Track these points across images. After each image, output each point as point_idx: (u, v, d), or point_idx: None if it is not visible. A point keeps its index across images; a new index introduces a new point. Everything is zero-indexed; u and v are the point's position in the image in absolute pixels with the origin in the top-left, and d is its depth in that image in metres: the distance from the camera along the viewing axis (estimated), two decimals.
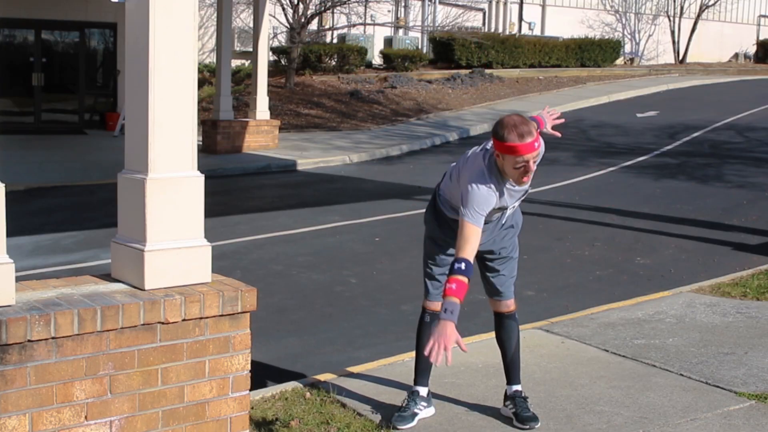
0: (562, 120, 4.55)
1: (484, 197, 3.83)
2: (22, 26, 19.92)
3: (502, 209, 4.08)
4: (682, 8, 33.73)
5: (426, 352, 3.62)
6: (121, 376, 3.38)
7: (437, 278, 4.30)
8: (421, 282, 4.44)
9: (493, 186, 3.87)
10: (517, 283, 4.49)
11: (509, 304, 4.38)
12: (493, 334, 4.53)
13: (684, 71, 30.69)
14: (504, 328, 4.39)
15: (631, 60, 33.42)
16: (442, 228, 4.27)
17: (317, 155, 15.96)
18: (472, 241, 3.79)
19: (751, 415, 4.45)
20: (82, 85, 20.60)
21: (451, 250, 4.22)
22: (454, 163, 4.25)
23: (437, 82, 24.61)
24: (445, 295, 3.71)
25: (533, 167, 3.82)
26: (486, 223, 3.98)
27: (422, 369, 4.42)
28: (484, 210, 3.84)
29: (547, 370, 5.09)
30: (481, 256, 4.31)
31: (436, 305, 4.32)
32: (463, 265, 3.72)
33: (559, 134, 4.55)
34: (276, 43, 25.40)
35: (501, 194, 3.94)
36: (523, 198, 4.17)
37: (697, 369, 5.11)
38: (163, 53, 3.54)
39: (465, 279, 3.71)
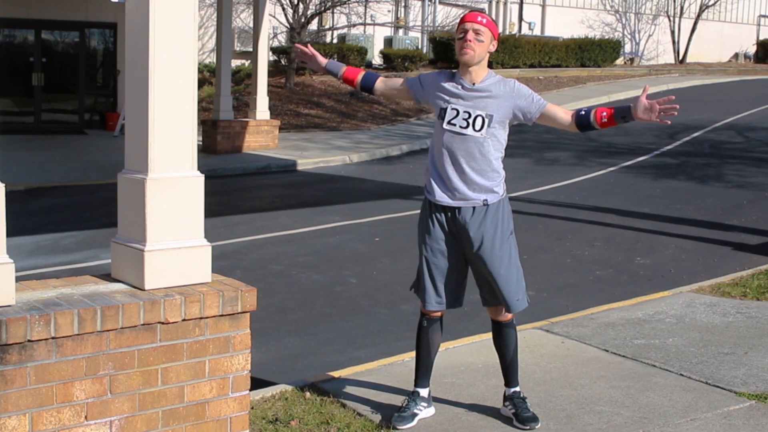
0: (672, 108, 4.02)
1: (428, 72, 4.39)
2: (22, 26, 19.92)
3: (447, 103, 4.16)
4: (682, 8, 33.75)
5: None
6: (121, 376, 3.38)
7: (433, 286, 4.25)
8: None
9: (442, 74, 4.27)
10: None
11: (508, 314, 4.32)
12: None
13: (684, 71, 30.70)
14: (501, 335, 4.36)
15: (631, 60, 33.43)
16: (434, 228, 4.24)
17: (317, 155, 15.96)
18: (390, 78, 4.51)
19: (751, 415, 4.45)
20: (82, 85, 20.61)
21: (443, 258, 4.21)
22: None
23: None
24: None
25: (471, 38, 4.08)
26: (440, 118, 4.20)
27: (422, 371, 4.41)
28: (422, 78, 4.31)
29: (547, 370, 5.09)
30: (467, 256, 4.25)
31: (433, 312, 4.32)
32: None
33: (667, 122, 4.10)
34: (276, 43, 25.41)
35: (447, 82, 4.19)
36: (477, 128, 4.12)
37: (697, 369, 5.11)
38: (163, 53, 3.54)
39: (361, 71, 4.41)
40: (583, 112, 4.19)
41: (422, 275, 4.28)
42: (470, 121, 4.11)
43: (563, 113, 4.21)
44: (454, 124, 4.13)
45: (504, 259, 4.19)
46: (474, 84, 4.14)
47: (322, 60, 4.41)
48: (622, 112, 4.12)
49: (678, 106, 4.01)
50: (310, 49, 4.40)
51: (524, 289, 4.29)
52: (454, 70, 4.26)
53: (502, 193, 4.23)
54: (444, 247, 4.22)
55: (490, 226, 4.17)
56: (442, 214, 4.21)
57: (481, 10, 4.31)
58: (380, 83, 4.40)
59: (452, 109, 4.14)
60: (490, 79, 4.17)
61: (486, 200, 4.16)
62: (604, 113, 4.13)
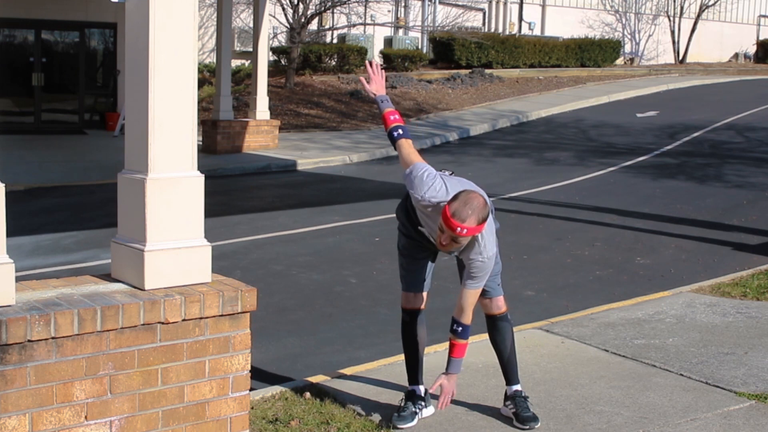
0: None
1: (421, 183, 4.04)
2: (22, 26, 19.91)
3: (424, 230, 4.15)
4: (682, 8, 33.74)
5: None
6: (121, 376, 3.38)
7: (415, 277, 4.36)
8: None
9: (429, 201, 4.00)
10: (516, 283, 4.48)
11: (500, 305, 4.35)
12: None
13: (684, 71, 30.69)
14: (497, 330, 4.38)
15: (631, 60, 33.42)
16: (411, 223, 4.31)
17: (317, 155, 15.96)
18: (406, 152, 4.19)
19: (751, 415, 4.45)
20: (82, 85, 20.60)
21: (420, 249, 4.30)
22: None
23: (437, 82, 24.61)
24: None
25: (444, 243, 3.86)
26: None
27: (414, 368, 4.44)
28: (416, 178, 4.05)
29: (547, 370, 5.09)
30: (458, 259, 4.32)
31: (413, 305, 4.37)
32: None
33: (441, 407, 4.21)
34: (276, 43, 25.40)
35: (426, 221, 4.10)
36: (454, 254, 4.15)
37: (697, 369, 5.12)
38: (163, 53, 3.54)
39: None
40: (461, 329, 4.10)
41: (404, 268, 4.39)
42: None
43: (465, 311, 4.08)
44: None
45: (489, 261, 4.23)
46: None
47: (379, 89, 4.33)
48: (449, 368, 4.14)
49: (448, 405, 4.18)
50: (379, 72, 4.36)
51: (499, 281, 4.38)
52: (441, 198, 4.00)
53: None
54: (422, 241, 4.31)
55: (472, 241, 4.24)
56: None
57: (470, 209, 3.81)
58: (399, 147, 4.23)
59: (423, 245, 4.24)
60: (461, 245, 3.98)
61: None
62: (454, 348, 4.13)
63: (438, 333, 5.28)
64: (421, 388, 4.42)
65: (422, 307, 4.41)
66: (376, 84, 4.34)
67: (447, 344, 5.42)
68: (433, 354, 5.16)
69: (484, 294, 4.33)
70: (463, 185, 4.04)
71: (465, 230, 3.80)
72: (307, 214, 10.78)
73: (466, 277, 4.03)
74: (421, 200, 4.03)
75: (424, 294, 4.42)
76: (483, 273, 4.00)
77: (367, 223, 10.15)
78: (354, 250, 8.87)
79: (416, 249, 4.35)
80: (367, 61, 4.52)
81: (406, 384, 4.55)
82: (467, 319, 4.08)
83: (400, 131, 4.23)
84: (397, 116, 4.29)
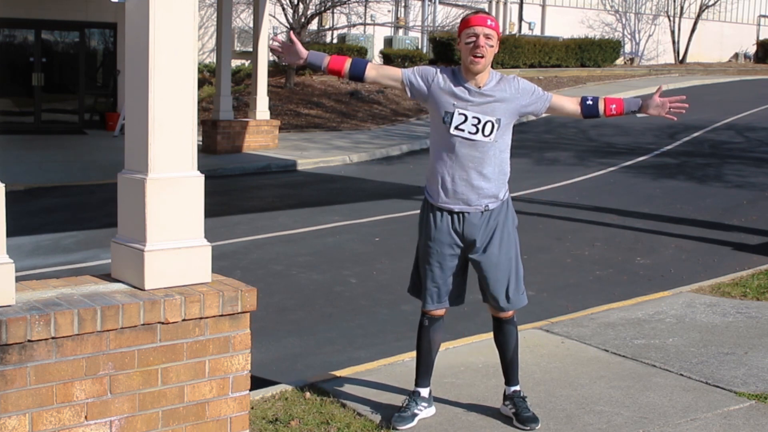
0: (683, 107, 4.24)
1: (428, 68, 4.19)
2: (22, 26, 19.92)
3: (453, 107, 4.08)
4: (682, 8, 33.76)
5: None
6: (121, 376, 3.38)
7: (435, 287, 4.25)
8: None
9: (444, 74, 4.13)
10: None
11: (507, 311, 4.31)
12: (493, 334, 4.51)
13: (684, 71, 30.70)
14: (502, 332, 4.36)
15: (631, 60, 33.43)
16: (435, 229, 4.20)
17: (317, 155, 15.96)
18: (384, 66, 4.34)
19: (751, 415, 4.45)
20: (82, 85, 20.60)
21: (445, 259, 4.19)
22: None
23: None
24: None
25: (483, 43, 4.00)
26: (445, 123, 4.11)
27: (423, 371, 4.40)
28: (420, 74, 4.14)
29: (547, 370, 5.09)
30: (467, 255, 4.23)
31: (435, 311, 4.31)
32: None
33: (673, 118, 4.32)
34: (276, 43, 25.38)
35: (451, 84, 4.10)
36: (486, 133, 4.07)
37: (697, 369, 5.12)
38: (163, 53, 3.54)
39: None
40: (590, 102, 4.27)
41: (423, 276, 4.28)
42: (479, 126, 4.07)
43: (569, 103, 4.31)
44: (463, 130, 4.07)
45: (508, 261, 4.22)
46: (480, 87, 4.09)
47: (303, 51, 4.08)
48: (632, 107, 4.28)
49: (687, 105, 4.18)
50: (290, 37, 4.15)
51: (523, 288, 4.31)
52: (453, 68, 4.20)
53: (504, 197, 4.21)
54: (445, 248, 4.20)
55: (492, 231, 4.17)
56: (445, 217, 4.19)
57: (484, 11, 4.22)
58: (371, 70, 4.16)
59: (460, 114, 4.07)
60: (493, 80, 4.13)
61: (488, 206, 4.16)
62: (613, 105, 4.27)
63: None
64: (426, 390, 4.39)
65: (444, 312, 4.35)
66: (298, 48, 4.09)
67: (448, 344, 5.44)
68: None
69: (492, 304, 4.30)
70: None
71: (493, 22, 4.06)
72: (307, 214, 10.78)
73: (541, 104, 4.22)
74: (431, 73, 4.16)
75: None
76: (538, 89, 4.23)
77: (367, 223, 10.15)
78: (354, 250, 8.87)
79: (445, 244, 4.16)
80: (271, 46, 4.25)
81: (407, 384, 4.54)
82: (578, 101, 4.29)
83: (361, 59, 4.23)
84: (341, 57, 4.25)
